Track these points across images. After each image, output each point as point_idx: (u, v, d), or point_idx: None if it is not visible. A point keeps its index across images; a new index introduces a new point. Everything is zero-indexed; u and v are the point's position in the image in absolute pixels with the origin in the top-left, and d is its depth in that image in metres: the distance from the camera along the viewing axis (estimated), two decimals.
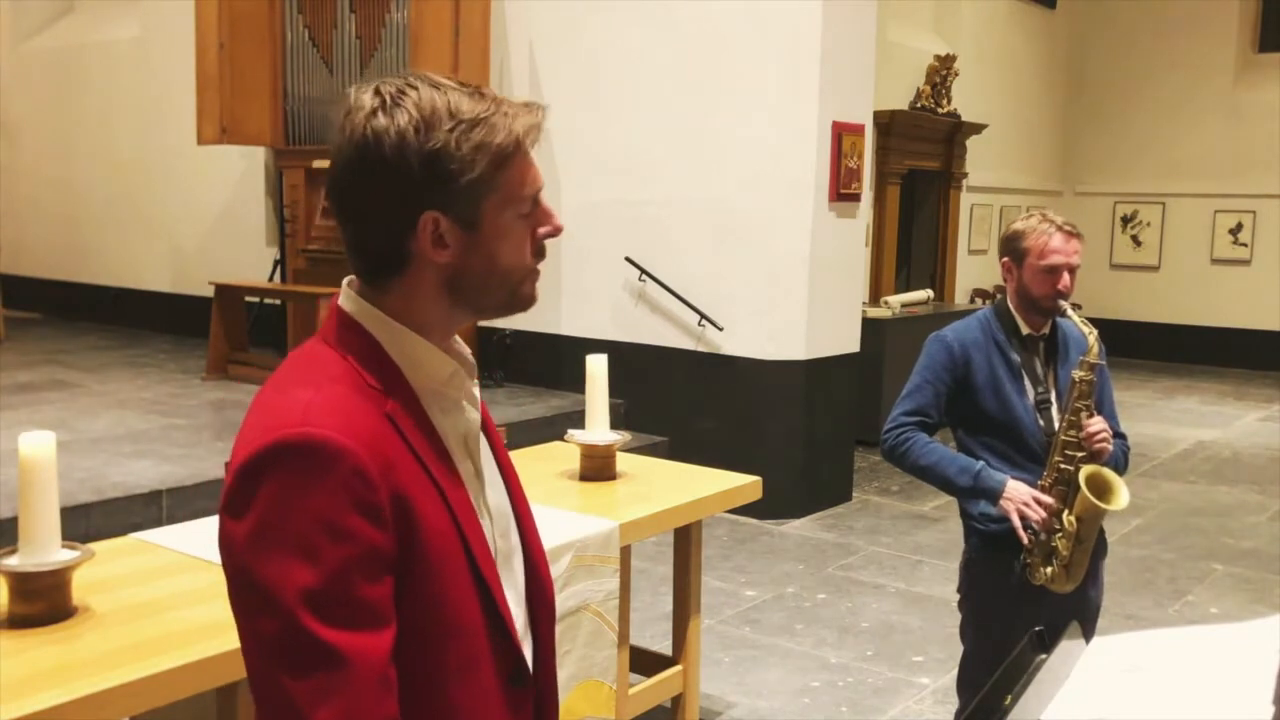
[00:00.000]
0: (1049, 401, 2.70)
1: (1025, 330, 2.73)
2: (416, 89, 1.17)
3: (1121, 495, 2.61)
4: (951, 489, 2.73)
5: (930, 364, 2.77)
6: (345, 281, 1.25)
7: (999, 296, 2.81)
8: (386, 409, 1.18)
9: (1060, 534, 2.62)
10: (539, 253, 1.25)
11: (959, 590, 2.90)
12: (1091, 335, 2.63)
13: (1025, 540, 2.62)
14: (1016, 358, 2.71)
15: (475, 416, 1.31)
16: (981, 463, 2.67)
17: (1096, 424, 2.61)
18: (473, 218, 1.18)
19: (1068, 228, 2.67)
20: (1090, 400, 2.62)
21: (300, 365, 1.21)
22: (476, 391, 1.32)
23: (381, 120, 1.14)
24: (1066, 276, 2.64)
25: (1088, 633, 2.64)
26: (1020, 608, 2.68)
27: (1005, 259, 2.72)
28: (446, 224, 1.17)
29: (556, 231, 1.25)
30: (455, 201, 1.17)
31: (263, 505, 1.09)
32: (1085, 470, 2.60)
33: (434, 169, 1.15)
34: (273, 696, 1.10)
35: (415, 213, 1.16)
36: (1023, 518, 2.59)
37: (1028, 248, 2.66)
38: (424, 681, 1.19)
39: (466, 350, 1.32)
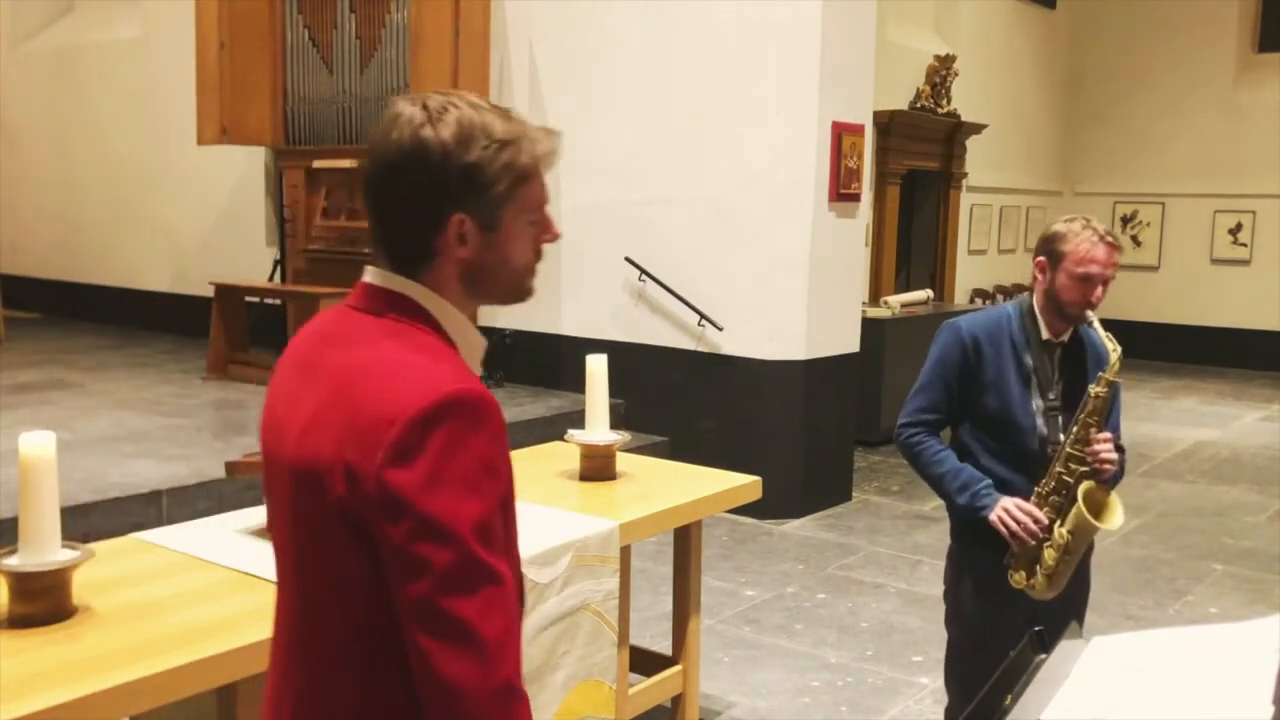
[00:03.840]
0: (1057, 409, 2.67)
1: (1045, 335, 2.68)
2: (458, 107, 1.35)
3: (1117, 515, 2.61)
4: (949, 502, 2.74)
5: (941, 357, 2.74)
6: (374, 269, 1.41)
7: (1026, 298, 2.74)
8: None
9: (1049, 544, 2.61)
10: (539, 254, 1.46)
11: (944, 581, 2.90)
12: (1115, 353, 2.57)
13: (1014, 547, 2.61)
14: (1030, 362, 2.67)
15: None
16: (985, 481, 2.65)
17: (1104, 443, 2.58)
18: (493, 222, 1.38)
19: (1110, 239, 2.57)
20: (1101, 417, 2.59)
21: (402, 339, 1.35)
22: None
23: (428, 131, 1.33)
24: (1100, 289, 2.58)
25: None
26: (1003, 600, 2.68)
27: (1040, 258, 2.63)
28: (470, 225, 1.36)
29: (555, 238, 1.47)
30: (481, 207, 1.36)
31: (434, 452, 1.25)
32: (1084, 486, 2.59)
33: (468, 179, 1.34)
34: (444, 619, 1.24)
35: (447, 214, 1.35)
36: (1010, 531, 2.59)
37: (1066, 251, 2.56)
38: None
39: None
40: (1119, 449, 2.70)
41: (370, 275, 1.41)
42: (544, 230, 1.44)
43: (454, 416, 1.26)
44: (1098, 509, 2.59)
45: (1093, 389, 2.59)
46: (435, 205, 1.34)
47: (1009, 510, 2.59)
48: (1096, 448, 2.58)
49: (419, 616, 1.25)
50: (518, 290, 1.45)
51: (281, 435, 1.39)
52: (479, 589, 1.24)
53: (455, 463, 1.25)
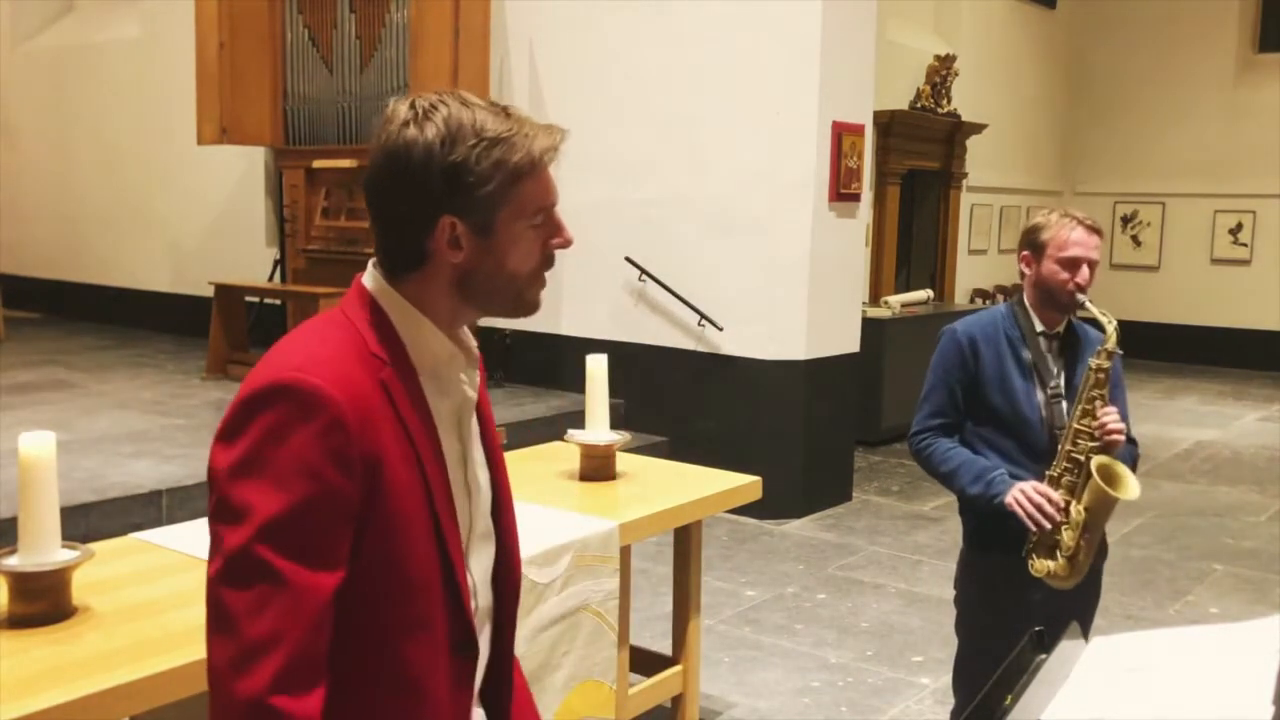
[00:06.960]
0: (1061, 396, 2.68)
1: (1040, 327, 2.71)
2: (447, 105, 1.30)
3: (1132, 486, 2.59)
4: (965, 497, 2.72)
5: (942, 361, 2.77)
6: (371, 261, 1.39)
7: (1017, 296, 2.78)
8: (382, 376, 1.31)
9: (1066, 526, 2.60)
10: (547, 261, 1.38)
11: (955, 586, 2.90)
12: (1110, 325, 2.62)
13: (1033, 529, 2.59)
14: (1028, 355, 2.70)
15: (471, 397, 1.42)
16: (999, 470, 2.64)
17: (1110, 414, 2.59)
18: (487, 225, 1.31)
19: (1089, 222, 2.67)
20: (1104, 390, 2.60)
21: (315, 324, 1.36)
22: (477, 381, 1.44)
23: (412, 131, 1.29)
24: (1085, 270, 2.63)
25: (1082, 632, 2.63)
26: (1013, 605, 2.68)
27: (1024, 252, 2.70)
28: (462, 228, 1.31)
29: (566, 243, 1.38)
30: (472, 210, 1.30)
31: (252, 437, 1.23)
32: (1096, 460, 2.58)
33: (454, 179, 1.28)
34: (216, 605, 1.22)
35: (435, 216, 1.30)
36: (1027, 513, 2.57)
37: (1047, 240, 2.65)
38: (378, 634, 1.30)
39: (472, 342, 1.44)
40: (1130, 440, 2.71)
41: (365, 273, 1.39)
42: (552, 234, 1.36)
43: (277, 403, 1.23)
44: (1112, 481, 2.58)
45: (1093, 362, 2.61)
46: (421, 206, 1.30)
47: (1025, 492, 2.58)
48: (1103, 419, 2.58)
49: (207, 592, 1.24)
50: (519, 300, 1.37)
51: None
52: (253, 584, 1.20)
53: (269, 452, 1.22)
